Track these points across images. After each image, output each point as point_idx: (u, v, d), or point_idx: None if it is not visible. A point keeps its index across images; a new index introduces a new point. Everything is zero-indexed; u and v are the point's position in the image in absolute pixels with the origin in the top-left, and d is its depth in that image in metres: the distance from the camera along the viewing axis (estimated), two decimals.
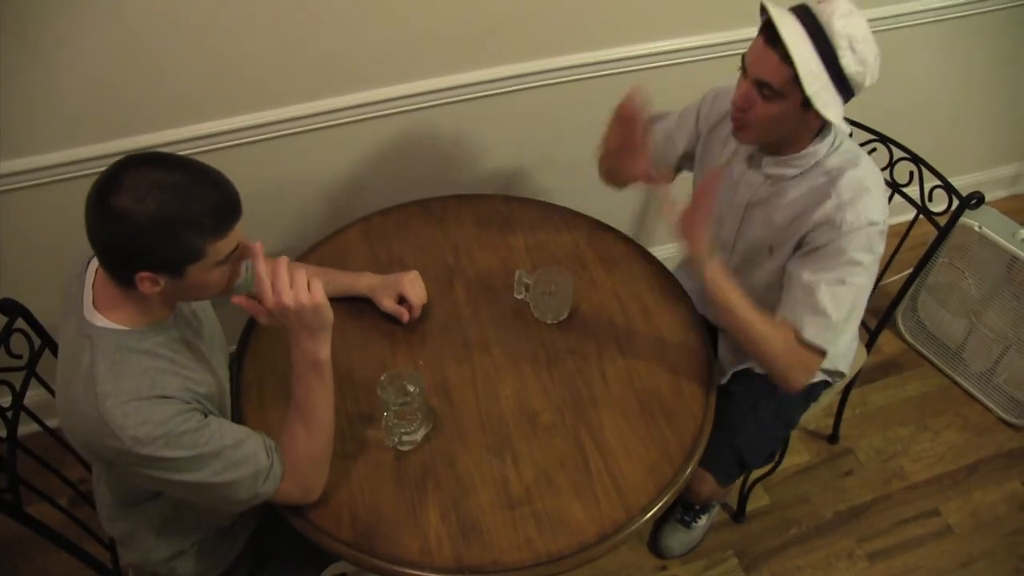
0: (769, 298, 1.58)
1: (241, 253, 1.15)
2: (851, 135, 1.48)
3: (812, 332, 1.41)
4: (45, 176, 1.70)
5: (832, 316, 1.40)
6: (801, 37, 1.28)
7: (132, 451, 1.06)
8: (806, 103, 1.30)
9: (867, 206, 1.38)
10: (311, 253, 1.73)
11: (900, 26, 2.24)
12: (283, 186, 1.97)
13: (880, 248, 1.42)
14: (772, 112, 1.35)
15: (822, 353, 1.43)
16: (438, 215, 1.84)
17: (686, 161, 1.74)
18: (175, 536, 1.34)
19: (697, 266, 1.42)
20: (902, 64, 2.40)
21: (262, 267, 1.15)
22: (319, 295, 1.16)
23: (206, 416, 1.17)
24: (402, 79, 1.87)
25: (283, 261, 1.15)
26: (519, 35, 1.89)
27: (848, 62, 1.29)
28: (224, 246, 1.08)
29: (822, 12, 1.29)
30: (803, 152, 1.44)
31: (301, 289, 1.14)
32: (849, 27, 1.27)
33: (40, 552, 1.40)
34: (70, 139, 1.67)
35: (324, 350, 1.20)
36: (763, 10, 1.33)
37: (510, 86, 1.96)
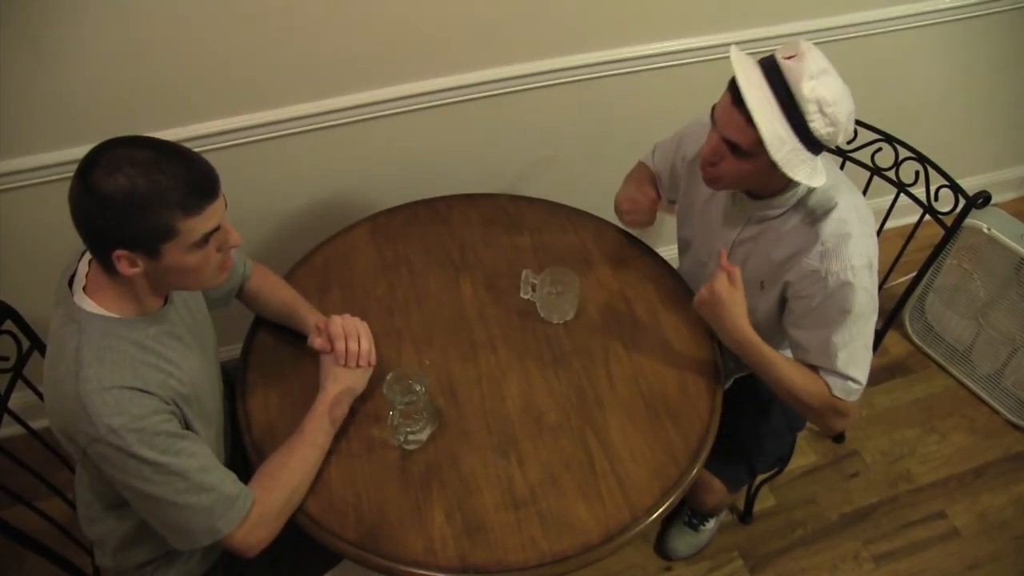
0: (760, 333, 1.57)
1: (223, 240, 1.14)
2: (880, 149, 1.46)
3: (842, 391, 1.41)
4: (42, 176, 1.71)
5: (859, 377, 1.41)
6: (767, 101, 1.24)
7: (104, 439, 1.06)
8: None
9: (851, 251, 1.35)
10: (316, 252, 1.73)
11: (909, 27, 2.23)
12: (289, 185, 1.98)
13: (874, 283, 1.40)
14: (742, 168, 1.33)
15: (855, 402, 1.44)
16: (444, 214, 1.84)
17: (674, 185, 1.74)
18: (153, 542, 1.32)
19: (736, 334, 1.41)
20: (910, 65, 2.39)
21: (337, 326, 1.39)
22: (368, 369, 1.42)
23: (185, 428, 1.17)
24: (407, 79, 1.87)
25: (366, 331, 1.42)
26: (525, 35, 1.89)
27: (818, 126, 1.24)
28: (197, 225, 1.08)
29: (790, 72, 1.23)
30: (781, 195, 1.42)
31: (364, 354, 1.40)
32: (819, 90, 1.22)
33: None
34: (68, 138, 1.67)
35: (344, 408, 1.37)
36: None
37: (516, 86, 1.96)
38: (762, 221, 1.47)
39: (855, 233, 1.36)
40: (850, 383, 1.41)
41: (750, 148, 1.28)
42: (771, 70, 1.25)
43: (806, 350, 1.45)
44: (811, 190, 1.40)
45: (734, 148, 1.31)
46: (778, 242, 1.45)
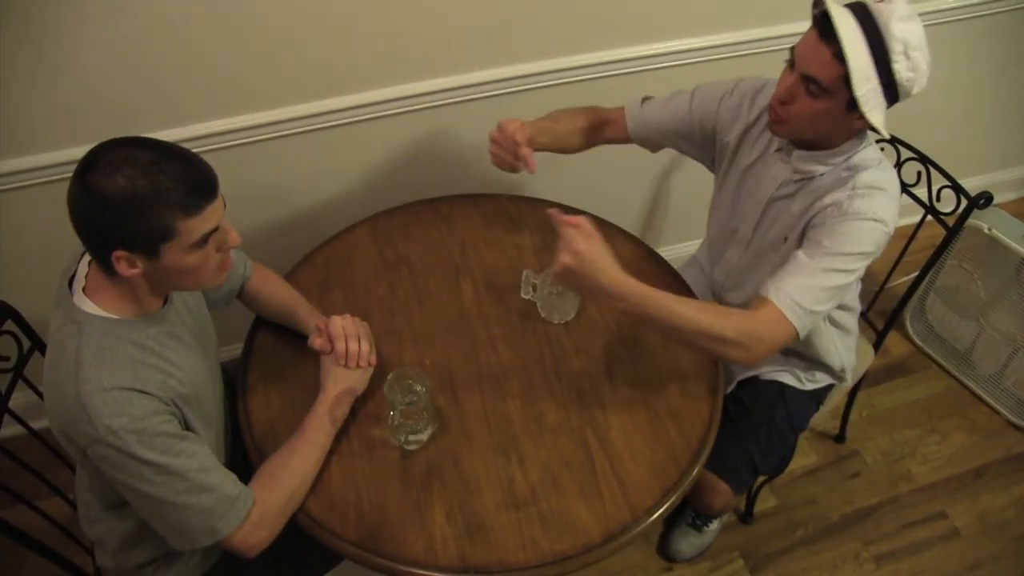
0: None
1: (223, 240, 1.14)
2: (883, 149, 1.46)
3: (794, 317, 1.31)
4: (42, 176, 1.70)
5: (816, 309, 1.33)
6: (857, 36, 1.25)
7: (104, 440, 1.06)
8: (851, 104, 1.27)
9: (880, 203, 1.35)
10: (317, 252, 1.73)
11: None
12: (289, 185, 1.98)
13: (880, 249, 1.37)
14: (815, 109, 1.32)
15: (795, 335, 1.33)
16: (445, 214, 1.83)
17: (697, 144, 1.67)
18: (154, 542, 1.32)
19: (616, 287, 1.24)
20: None
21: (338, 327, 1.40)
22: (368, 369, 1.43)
23: (184, 428, 1.17)
24: (408, 79, 1.87)
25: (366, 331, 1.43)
26: (526, 35, 1.88)
27: (900, 67, 1.25)
28: (197, 225, 1.07)
29: (880, 12, 1.25)
30: (836, 150, 1.40)
31: (364, 355, 1.40)
32: (907, 32, 1.24)
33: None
34: (68, 138, 1.67)
35: (345, 408, 1.37)
36: (817, 2, 1.31)
37: (517, 86, 1.96)
38: (801, 180, 1.46)
39: (890, 193, 1.37)
40: (794, 296, 1.31)
41: (830, 84, 1.28)
42: (860, 10, 1.27)
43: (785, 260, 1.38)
44: (859, 152, 1.40)
45: (813, 85, 1.30)
46: (809, 194, 1.44)
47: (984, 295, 2.30)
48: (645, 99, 1.71)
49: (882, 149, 1.47)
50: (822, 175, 1.43)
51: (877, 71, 1.26)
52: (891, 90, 1.28)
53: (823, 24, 1.27)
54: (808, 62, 1.30)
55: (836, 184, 1.40)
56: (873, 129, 1.30)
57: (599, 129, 1.73)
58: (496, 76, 1.92)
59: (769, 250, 1.55)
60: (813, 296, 1.32)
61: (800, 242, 1.43)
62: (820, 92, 1.30)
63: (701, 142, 1.67)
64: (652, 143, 1.74)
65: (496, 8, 1.80)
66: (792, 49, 1.34)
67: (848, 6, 1.28)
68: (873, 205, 1.35)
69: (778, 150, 1.50)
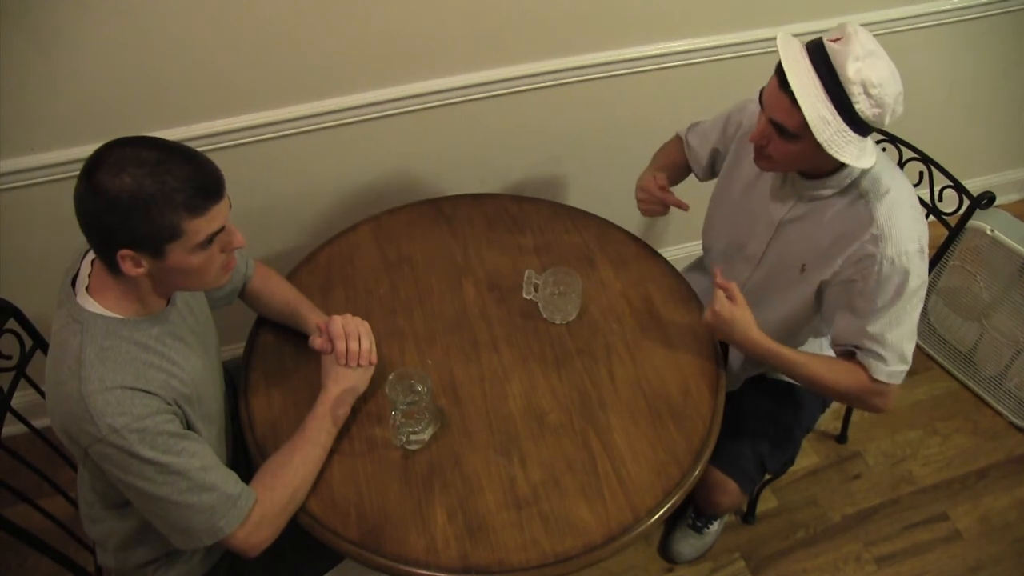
0: (790, 323, 1.57)
1: (227, 241, 1.14)
2: (884, 149, 1.46)
3: (886, 375, 1.40)
4: (40, 176, 1.70)
5: (906, 354, 1.40)
6: (811, 83, 1.25)
7: (106, 439, 1.06)
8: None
9: (905, 236, 1.34)
10: (320, 251, 1.73)
11: (913, 27, 2.23)
12: (292, 185, 1.98)
13: (925, 268, 1.38)
14: (790, 150, 1.34)
15: (903, 374, 1.43)
16: (447, 214, 1.83)
17: (715, 160, 1.73)
18: (155, 541, 1.32)
19: (748, 346, 1.43)
20: (914, 66, 2.37)
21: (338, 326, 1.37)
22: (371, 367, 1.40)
23: (186, 428, 1.17)
24: (411, 79, 1.87)
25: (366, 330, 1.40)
26: (529, 35, 1.88)
27: (863, 107, 1.25)
28: (203, 226, 1.07)
29: (836, 54, 1.24)
30: (834, 175, 1.40)
31: (364, 353, 1.38)
32: (864, 71, 1.22)
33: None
34: (68, 138, 1.67)
35: (346, 407, 1.36)
36: None
37: (520, 86, 1.96)
38: (811, 201, 1.46)
39: (908, 218, 1.37)
40: (895, 367, 1.40)
41: (796, 130, 1.29)
42: (817, 53, 1.26)
43: (852, 333, 1.42)
44: (863, 172, 1.40)
45: (781, 130, 1.32)
46: (827, 224, 1.44)
47: (986, 296, 2.30)
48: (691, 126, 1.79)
49: (881, 149, 1.46)
50: (829, 197, 1.43)
51: (839, 113, 1.25)
52: (860, 126, 1.27)
53: (782, 71, 1.27)
54: (772, 109, 1.31)
55: (855, 217, 1.39)
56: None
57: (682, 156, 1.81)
58: (496, 76, 1.92)
59: (785, 272, 1.54)
60: (904, 344, 1.39)
61: (827, 281, 1.45)
62: (789, 136, 1.31)
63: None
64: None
65: (497, 8, 1.80)
66: (761, 91, 1.35)
67: (807, 46, 1.28)
68: (902, 244, 1.34)
69: (783, 175, 1.50)
